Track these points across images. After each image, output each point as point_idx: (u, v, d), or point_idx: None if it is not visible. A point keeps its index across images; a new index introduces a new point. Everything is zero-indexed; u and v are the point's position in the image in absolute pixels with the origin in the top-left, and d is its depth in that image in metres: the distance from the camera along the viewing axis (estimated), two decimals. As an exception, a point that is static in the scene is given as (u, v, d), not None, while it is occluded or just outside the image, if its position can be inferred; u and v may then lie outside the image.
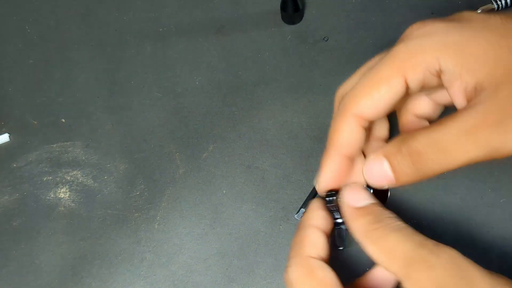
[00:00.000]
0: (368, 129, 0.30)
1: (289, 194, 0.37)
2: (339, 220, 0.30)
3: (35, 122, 0.42)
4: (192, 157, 0.39)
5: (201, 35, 0.45)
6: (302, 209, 0.34)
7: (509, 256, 0.36)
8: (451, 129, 0.24)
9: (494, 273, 0.24)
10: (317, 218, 0.29)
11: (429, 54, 0.26)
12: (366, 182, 0.28)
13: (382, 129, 0.33)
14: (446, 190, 0.38)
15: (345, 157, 0.29)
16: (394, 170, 0.26)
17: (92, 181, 0.39)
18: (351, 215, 0.28)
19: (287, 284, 0.28)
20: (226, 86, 0.42)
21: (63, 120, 0.42)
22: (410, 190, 0.38)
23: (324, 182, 0.30)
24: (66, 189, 0.39)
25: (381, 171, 0.27)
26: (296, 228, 0.30)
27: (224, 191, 0.38)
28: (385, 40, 0.42)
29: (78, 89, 0.43)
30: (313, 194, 0.33)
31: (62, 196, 0.39)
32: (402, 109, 0.33)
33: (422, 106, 0.32)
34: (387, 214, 0.27)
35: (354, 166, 0.30)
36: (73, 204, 0.38)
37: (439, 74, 0.26)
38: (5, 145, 0.41)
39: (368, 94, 0.27)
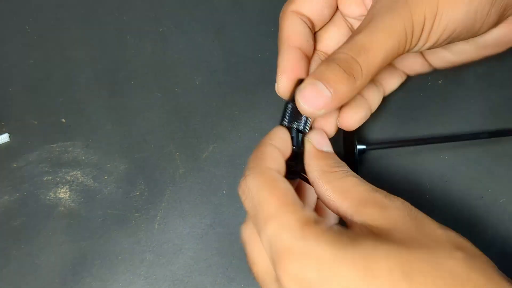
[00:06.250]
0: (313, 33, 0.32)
1: (289, 194, 0.37)
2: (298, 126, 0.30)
3: (35, 122, 0.42)
4: (192, 157, 0.39)
5: (201, 35, 0.45)
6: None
7: (509, 256, 0.36)
8: (366, 32, 0.27)
9: (443, 226, 0.25)
10: (278, 140, 0.29)
11: None
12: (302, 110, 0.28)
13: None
14: (446, 190, 0.38)
15: (296, 49, 0.30)
16: (330, 85, 0.26)
17: (92, 181, 0.39)
18: (312, 154, 0.29)
19: (244, 191, 0.27)
20: (226, 86, 0.42)
21: (63, 120, 0.42)
22: (410, 190, 0.38)
23: (283, 80, 0.30)
24: (66, 189, 0.39)
25: (317, 91, 0.26)
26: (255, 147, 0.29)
27: (224, 191, 0.38)
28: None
29: (78, 89, 0.43)
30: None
31: (62, 196, 0.39)
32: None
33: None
34: (345, 165, 0.28)
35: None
36: (73, 204, 0.38)
37: None
38: (5, 145, 0.41)
39: None
